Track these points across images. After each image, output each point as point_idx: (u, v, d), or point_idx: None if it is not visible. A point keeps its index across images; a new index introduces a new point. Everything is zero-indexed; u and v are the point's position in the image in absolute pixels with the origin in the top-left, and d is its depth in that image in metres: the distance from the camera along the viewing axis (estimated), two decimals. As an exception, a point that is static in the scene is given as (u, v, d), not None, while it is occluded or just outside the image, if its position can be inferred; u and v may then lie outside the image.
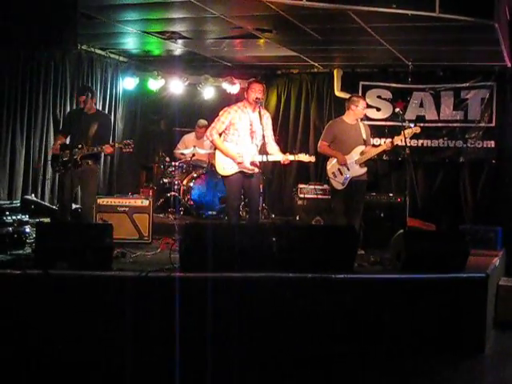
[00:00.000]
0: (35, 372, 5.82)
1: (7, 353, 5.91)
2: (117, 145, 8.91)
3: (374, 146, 9.96)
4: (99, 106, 11.63)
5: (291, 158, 8.73)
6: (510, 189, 10.97)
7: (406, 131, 9.08)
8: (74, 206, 9.17)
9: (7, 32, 7.03)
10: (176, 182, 11.36)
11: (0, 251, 7.30)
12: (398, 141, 9.11)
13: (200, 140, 11.84)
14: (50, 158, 8.51)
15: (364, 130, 9.32)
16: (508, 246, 10.03)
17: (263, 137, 8.32)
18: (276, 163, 8.74)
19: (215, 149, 8.68)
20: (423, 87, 11.50)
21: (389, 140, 9.46)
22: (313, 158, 8.89)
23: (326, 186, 10.46)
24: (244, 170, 8.44)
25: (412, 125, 9.39)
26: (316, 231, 7.87)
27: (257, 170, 8.48)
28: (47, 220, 8.81)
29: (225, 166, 8.49)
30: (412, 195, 9.37)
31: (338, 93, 11.97)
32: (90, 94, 8.80)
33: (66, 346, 5.99)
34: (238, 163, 8.38)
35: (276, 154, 8.62)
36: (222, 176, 8.65)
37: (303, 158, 8.78)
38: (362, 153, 9.15)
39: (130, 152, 9.13)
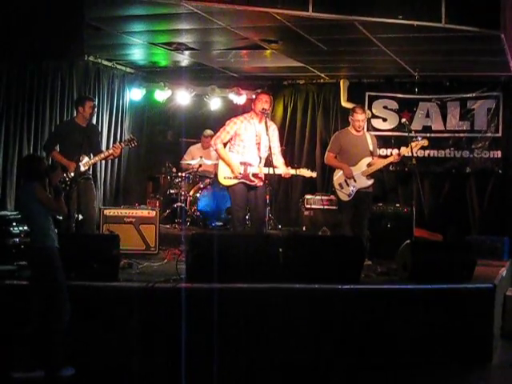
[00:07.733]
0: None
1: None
2: (123, 145, 9.10)
3: (380, 156, 9.92)
4: (106, 118, 11.67)
5: (292, 172, 8.71)
6: (516, 199, 10.96)
7: (414, 143, 9.05)
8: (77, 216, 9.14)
9: (14, 43, 7.05)
10: (182, 193, 11.33)
11: (6, 262, 7.31)
12: (406, 153, 9.09)
13: (206, 150, 11.81)
14: (72, 174, 8.43)
15: (371, 141, 9.27)
16: (515, 256, 9.99)
17: (269, 148, 8.27)
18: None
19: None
20: (429, 97, 11.48)
21: (396, 151, 9.43)
22: (314, 174, 8.88)
23: (332, 197, 10.43)
24: (246, 182, 8.44)
25: (420, 138, 9.35)
26: (322, 242, 7.87)
27: (259, 182, 8.47)
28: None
29: (225, 176, 8.48)
30: (418, 205, 9.35)
31: (345, 103, 11.95)
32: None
33: (72, 356, 5.99)
34: (238, 174, 8.37)
35: (279, 167, 8.58)
36: (224, 186, 8.64)
37: (305, 172, 8.75)
38: (368, 164, 9.11)
39: (136, 146, 9.49)
